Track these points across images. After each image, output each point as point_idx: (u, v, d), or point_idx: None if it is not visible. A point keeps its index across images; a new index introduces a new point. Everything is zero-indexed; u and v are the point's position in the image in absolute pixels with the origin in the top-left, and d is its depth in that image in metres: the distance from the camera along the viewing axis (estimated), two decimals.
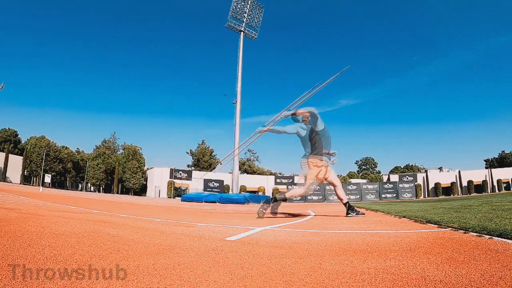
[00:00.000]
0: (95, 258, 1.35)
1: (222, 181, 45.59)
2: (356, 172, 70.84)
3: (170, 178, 44.49)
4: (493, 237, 1.81)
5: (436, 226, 2.64)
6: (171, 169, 45.41)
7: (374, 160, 76.97)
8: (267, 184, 48.13)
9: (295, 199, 42.69)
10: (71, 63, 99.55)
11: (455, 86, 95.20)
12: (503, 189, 41.31)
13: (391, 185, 42.85)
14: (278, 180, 48.80)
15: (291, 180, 48.11)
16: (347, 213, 4.49)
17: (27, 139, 57.39)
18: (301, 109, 4.64)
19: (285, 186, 45.33)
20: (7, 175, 46.78)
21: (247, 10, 28.84)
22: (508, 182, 42.34)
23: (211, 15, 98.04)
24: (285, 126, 4.69)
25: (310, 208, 10.75)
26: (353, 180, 52.87)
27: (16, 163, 48.84)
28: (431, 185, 45.26)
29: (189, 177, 46.32)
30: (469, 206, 5.11)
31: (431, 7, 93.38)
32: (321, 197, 42.28)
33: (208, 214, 5.55)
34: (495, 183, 42.81)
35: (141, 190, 56.56)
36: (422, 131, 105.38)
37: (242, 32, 28.71)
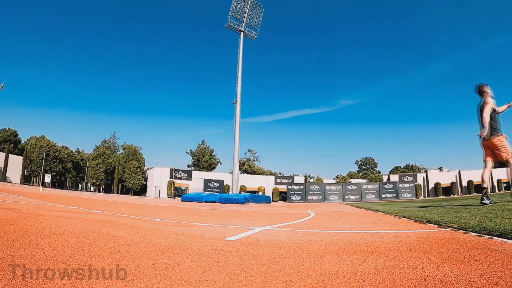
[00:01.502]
0: (95, 258, 1.35)
1: (222, 181, 45.57)
2: (356, 172, 70.81)
3: (170, 178, 44.51)
4: (493, 237, 1.81)
5: (436, 226, 2.64)
6: (171, 169, 45.42)
7: (374, 160, 76.77)
8: (267, 184, 48.13)
9: (295, 199, 42.72)
10: (71, 63, 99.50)
11: (454, 86, 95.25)
12: (503, 189, 41.30)
13: (391, 185, 42.75)
14: (278, 180, 48.79)
15: (291, 180, 48.09)
16: None
17: (27, 139, 57.38)
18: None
19: (285, 186, 45.31)
20: (7, 175, 46.81)
21: (247, 10, 28.82)
22: (508, 182, 42.30)
23: (211, 15, 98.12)
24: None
25: (310, 208, 10.75)
26: (353, 180, 52.86)
27: (16, 163, 48.86)
28: (431, 185, 45.19)
29: (189, 177, 46.30)
30: (469, 206, 5.12)
31: (431, 8, 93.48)
32: (321, 197, 42.29)
33: (208, 214, 5.56)
34: (495, 183, 42.81)
35: (141, 190, 56.55)
36: (422, 131, 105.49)
37: (242, 32, 28.69)
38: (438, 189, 43.96)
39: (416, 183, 43.67)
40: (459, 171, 45.81)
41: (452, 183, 44.18)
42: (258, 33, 30.25)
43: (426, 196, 44.33)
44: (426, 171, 50.49)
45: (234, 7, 28.33)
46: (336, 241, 2.05)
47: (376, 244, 1.87)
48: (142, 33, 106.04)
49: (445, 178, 45.87)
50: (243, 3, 28.70)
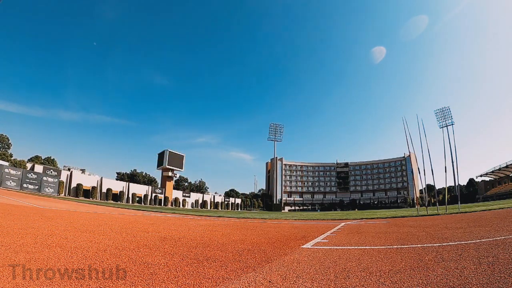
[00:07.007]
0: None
1: None
2: None
3: None
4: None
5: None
6: None
7: (8, 139, 51.88)
8: None
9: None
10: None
11: None
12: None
13: (35, 176, 35.78)
14: None
15: None
16: None
17: None
18: None
19: None
20: None
21: None
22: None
23: None
24: None
25: None
26: None
27: None
28: (74, 185, 41.18)
29: None
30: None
31: None
32: None
33: None
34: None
35: None
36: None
37: None
38: (80, 190, 42.36)
39: (59, 180, 39.89)
40: (101, 178, 45.95)
41: (93, 187, 43.52)
42: None
43: (67, 194, 41.86)
44: (70, 169, 48.58)
45: None
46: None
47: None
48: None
49: (88, 181, 45.32)
50: None
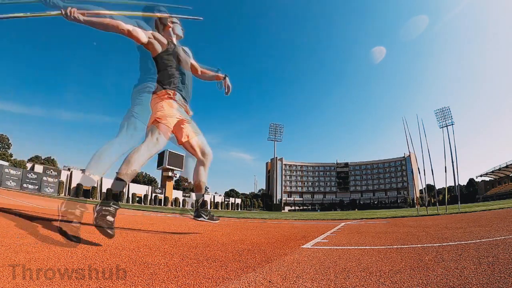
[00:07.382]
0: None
1: None
2: None
3: None
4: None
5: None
6: None
7: (8, 139, 55.60)
8: None
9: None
10: None
11: None
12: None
13: (35, 176, 36.04)
14: None
15: None
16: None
17: None
18: None
19: None
20: None
21: None
22: None
23: None
24: None
25: None
26: None
27: None
28: (73, 185, 42.68)
29: None
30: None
31: None
32: None
33: None
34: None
35: None
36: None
37: None
38: (80, 190, 41.56)
39: (59, 180, 40.11)
40: (102, 178, 45.52)
41: (93, 188, 43.18)
42: None
43: (67, 194, 41.60)
44: (70, 169, 48.33)
45: None
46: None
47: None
48: None
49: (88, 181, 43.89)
50: None
